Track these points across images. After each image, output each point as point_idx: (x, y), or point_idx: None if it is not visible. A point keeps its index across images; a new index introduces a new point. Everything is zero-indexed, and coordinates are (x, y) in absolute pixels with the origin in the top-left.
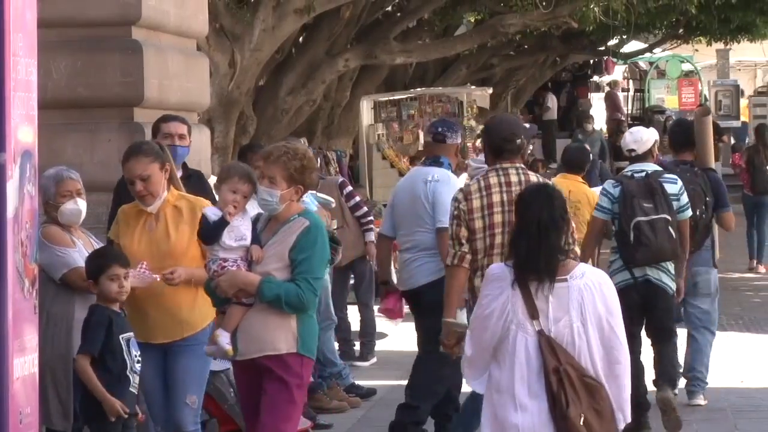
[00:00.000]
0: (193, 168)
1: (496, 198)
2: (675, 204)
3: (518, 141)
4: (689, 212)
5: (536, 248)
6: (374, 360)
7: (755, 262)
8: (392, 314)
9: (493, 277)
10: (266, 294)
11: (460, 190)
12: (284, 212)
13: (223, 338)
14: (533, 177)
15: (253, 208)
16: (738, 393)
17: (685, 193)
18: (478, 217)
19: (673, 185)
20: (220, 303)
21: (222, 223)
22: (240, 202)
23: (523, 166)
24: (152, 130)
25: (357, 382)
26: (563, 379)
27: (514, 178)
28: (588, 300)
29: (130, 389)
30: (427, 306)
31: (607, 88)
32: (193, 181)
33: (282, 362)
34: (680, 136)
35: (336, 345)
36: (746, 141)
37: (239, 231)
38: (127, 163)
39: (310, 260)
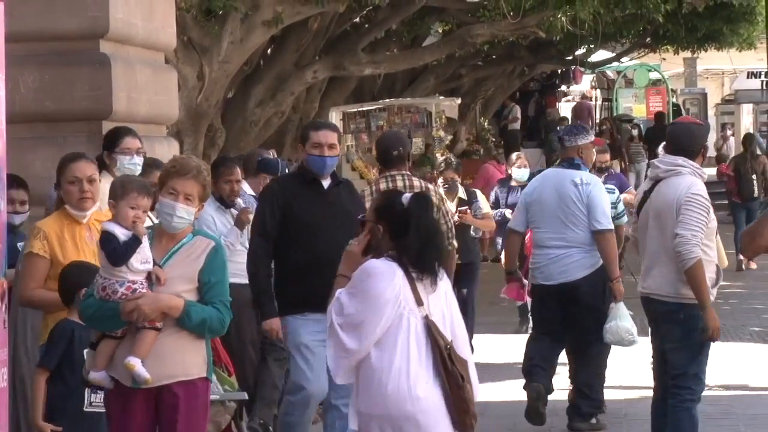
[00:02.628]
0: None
1: None
2: (612, 212)
3: (395, 153)
4: (625, 219)
5: (425, 248)
6: None
7: (746, 260)
8: (517, 298)
9: (379, 271)
10: (194, 318)
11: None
12: (181, 231)
13: (140, 365)
14: (416, 182)
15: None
16: (708, 400)
17: (621, 202)
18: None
19: (611, 194)
20: (115, 327)
21: (135, 243)
22: (142, 218)
23: (408, 173)
24: (300, 139)
25: None
26: (452, 355)
27: (399, 183)
28: (450, 292)
29: (86, 409)
30: (585, 297)
31: (578, 99)
32: (344, 189)
33: (193, 388)
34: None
35: None
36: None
37: (144, 252)
38: (76, 163)
39: (223, 283)
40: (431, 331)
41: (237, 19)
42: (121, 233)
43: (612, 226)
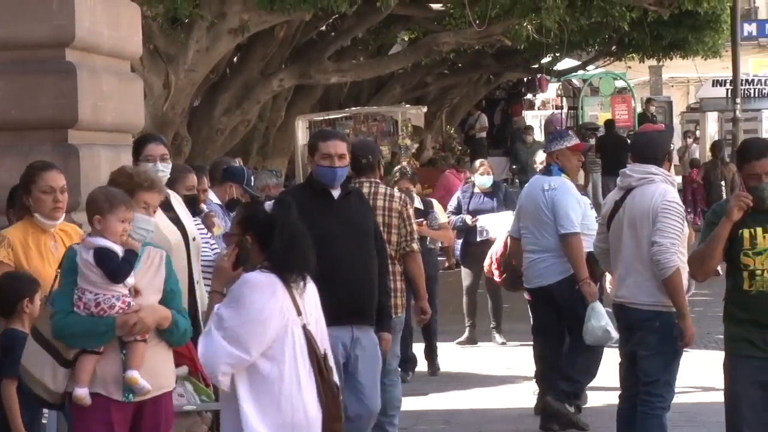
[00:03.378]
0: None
1: None
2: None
3: (364, 161)
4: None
5: (291, 252)
6: None
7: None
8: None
9: (261, 285)
10: (180, 328)
11: None
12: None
13: (141, 377)
14: (382, 189)
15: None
16: (673, 408)
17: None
18: None
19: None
20: (105, 342)
21: (134, 258)
22: (128, 231)
23: (376, 180)
24: (309, 149)
25: None
26: (327, 361)
27: (365, 190)
28: (316, 295)
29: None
30: (559, 301)
31: (542, 107)
32: (354, 198)
33: (169, 398)
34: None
35: None
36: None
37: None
38: (49, 173)
39: (180, 292)
40: (310, 339)
41: (203, 28)
42: (118, 249)
43: (576, 230)
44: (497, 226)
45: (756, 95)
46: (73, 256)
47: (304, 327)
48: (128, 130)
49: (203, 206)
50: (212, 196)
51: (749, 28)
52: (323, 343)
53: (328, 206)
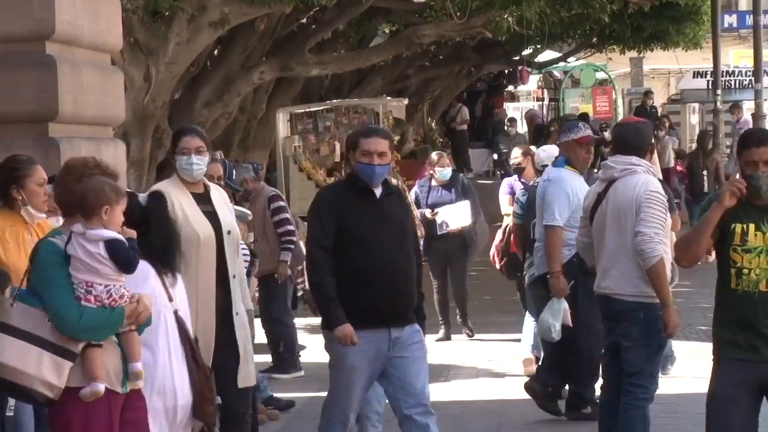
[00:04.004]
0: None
1: None
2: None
3: None
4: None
5: (167, 243)
6: (301, 373)
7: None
8: None
9: (139, 273)
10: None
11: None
12: None
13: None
14: None
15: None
16: (654, 399)
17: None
18: None
19: (523, 196)
20: (112, 333)
21: (137, 245)
22: None
23: None
24: (347, 146)
25: (275, 395)
26: (196, 345)
27: None
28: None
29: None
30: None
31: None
32: (395, 197)
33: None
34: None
35: None
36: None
37: None
38: (38, 166)
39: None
40: (182, 325)
41: (183, 21)
42: (122, 239)
43: (555, 223)
44: (456, 217)
45: (736, 86)
46: (55, 250)
47: (175, 313)
48: (109, 123)
49: None
50: None
51: (729, 20)
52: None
53: (369, 205)
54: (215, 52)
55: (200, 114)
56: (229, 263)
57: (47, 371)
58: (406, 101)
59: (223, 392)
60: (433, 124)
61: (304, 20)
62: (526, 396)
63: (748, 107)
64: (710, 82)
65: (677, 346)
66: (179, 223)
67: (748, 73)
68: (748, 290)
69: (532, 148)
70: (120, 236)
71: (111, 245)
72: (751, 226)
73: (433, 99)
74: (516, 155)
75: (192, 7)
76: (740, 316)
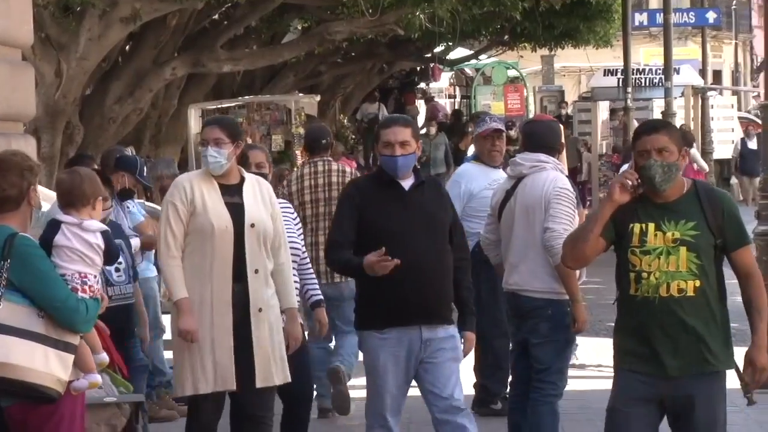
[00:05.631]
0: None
1: (306, 183)
2: None
3: (323, 141)
4: None
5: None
6: None
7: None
8: None
9: None
10: None
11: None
12: None
13: None
14: (335, 166)
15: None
16: (564, 395)
17: None
18: (295, 198)
19: None
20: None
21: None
22: None
23: (329, 158)
24: (375, 137)
25: None
26: None
27: (320, 167)
28: None
29: None
30: None
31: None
32: (429, 188)
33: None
34: None
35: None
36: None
37: None
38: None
39: None
40: None
41: (95, 16)
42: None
43: None
44: None
45: (647, 84)
46: (34, 243)
47: None
48: (19, 118)
49: None
50: None
51: (640, 18)
52: None
53: (395, 198)
54: (127, 47)
55: (111, 110)
56: (249, 257)
57: (56, 367)
58: (318, 98)
59: (239, 391)
60: (345, 121)
61: (216, 16)
62: None
63: (658, 105)
64: (621, 80)
65: (586, 342)
66: (196, 213)
67: (659, 72)
68: (648, 296)
69: None
70: (101, 228)
71: (107, 236)
72: (651, 226)
73: (345, 95)
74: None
75: (103, 2)
76: (640, 325)
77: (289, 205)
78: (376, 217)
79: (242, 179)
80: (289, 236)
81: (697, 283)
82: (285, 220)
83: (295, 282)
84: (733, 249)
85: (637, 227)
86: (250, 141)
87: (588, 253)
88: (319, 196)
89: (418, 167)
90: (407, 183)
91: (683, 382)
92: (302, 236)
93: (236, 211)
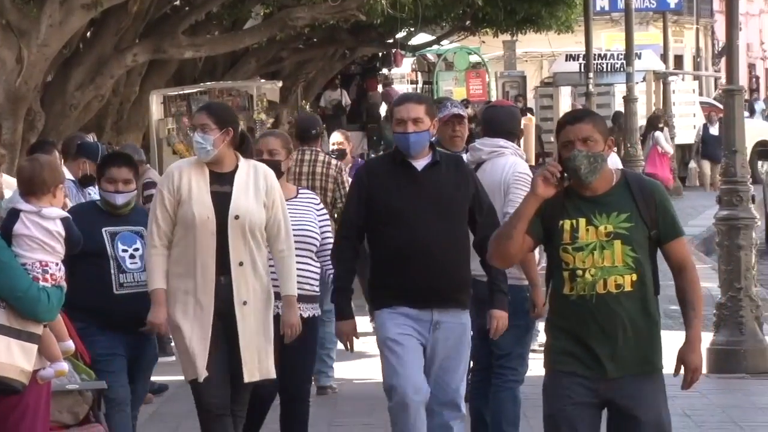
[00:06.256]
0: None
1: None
2: None
3: (313, 131)
4: None
5: None
6: (172, 358)
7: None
8: None
9: None
10: None
11: None
12: None
13: None
14: (321, 156)
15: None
16: (526, 381)
17: None
18: None
19: None
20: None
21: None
22: None
23: (317, 149)
24: (390, 116)
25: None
26: None
27: (307, 156)
28: None
29: None
30: None
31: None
32: (448, 167)
33: None
34: None
35: None
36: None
37: None
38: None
39: None
40: None
41: (56, 2)
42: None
43: None
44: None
45: (608, 69)
46: None
47: None
48: None
49: None
50: (66, 171)
51: (601, 3)
52: None
53: (408, 178)
54: (88, 34)
55: (73, 96)
56: (233, 249)
57: (19, 358)
58: (280, 84)
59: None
60: (308, 107)
61: (177, 2)
62: None
63: (620, 90)
64: (582, 65)
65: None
66: (182, 202)
67: (620, 57)
68: (584, 294)
69: None
70: (61, 215)
71: (67, 222)
72: (582, 221)
73: (307, 81)
74: (336, 139)
75: None
76: (576, 325)
77: (314, 195)
78: (386, 198)
79: (237, 167)
80: (303, 224)
81: (634, 276)
82: (306, 208)
83: (311, 269)
84: (667, 240)
85: (567, 223)
86: (269, 128)
87: (513, 252)
88: (302, 184)
89: (435, 146)
90: (422, 162)
91: (624, 382)
92: (327, 223)
93: (222, 200)
